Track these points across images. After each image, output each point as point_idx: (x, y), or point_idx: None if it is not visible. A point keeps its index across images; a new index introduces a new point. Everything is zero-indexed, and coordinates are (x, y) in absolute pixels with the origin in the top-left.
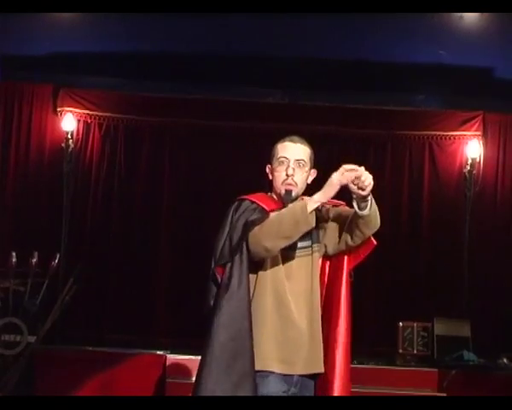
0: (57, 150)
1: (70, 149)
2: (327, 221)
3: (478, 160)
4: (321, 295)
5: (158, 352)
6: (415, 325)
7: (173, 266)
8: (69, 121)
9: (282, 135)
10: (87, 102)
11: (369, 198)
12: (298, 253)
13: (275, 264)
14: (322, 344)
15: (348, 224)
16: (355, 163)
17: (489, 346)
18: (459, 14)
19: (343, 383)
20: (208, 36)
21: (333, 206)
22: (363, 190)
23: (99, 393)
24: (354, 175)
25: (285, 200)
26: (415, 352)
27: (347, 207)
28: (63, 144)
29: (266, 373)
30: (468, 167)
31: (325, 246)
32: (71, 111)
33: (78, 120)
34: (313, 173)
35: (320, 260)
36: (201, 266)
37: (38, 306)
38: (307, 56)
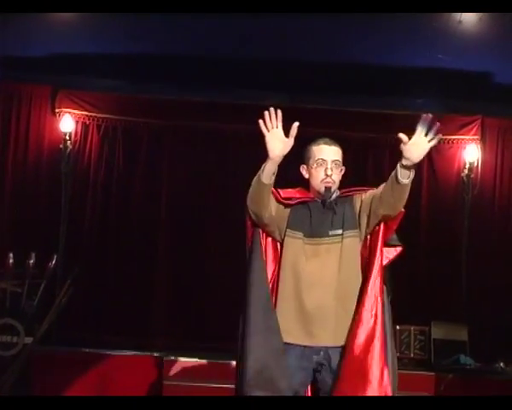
0: (55, 151)
1: (68, 151)
2: (360, 206)
3: (476, 164)
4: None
5: (155, 354)
6: (412, 328)
7: (171, 268)
8: (67, 122)
9: None
10: (85, 103)
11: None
12: (328, 240)
13: (299, 249)
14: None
15: (383, 193)
16: (354, 167)
17: (486, 350)
18: (458, 18)
19: (351, 356)
20: (208, 38)
21: (360, 192)
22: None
23: (96, 394)
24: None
25: (326, 196)
26: (412, 355)
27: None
28: (61, 145)
29: (287, 345)
30: (466, 171)
31: (364, 228)
32: (69, 112)
33: (77, 122)
34: (343, 170)
35: (358, 246)
36: (200, 268)
37: (35, 307)
38: (307, 59)
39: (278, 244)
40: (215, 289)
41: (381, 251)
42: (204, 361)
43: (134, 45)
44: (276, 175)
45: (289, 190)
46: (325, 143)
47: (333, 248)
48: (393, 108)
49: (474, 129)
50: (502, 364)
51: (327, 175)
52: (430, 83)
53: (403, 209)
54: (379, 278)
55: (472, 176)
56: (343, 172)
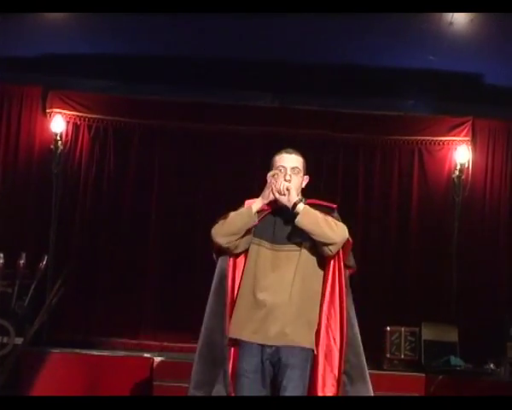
0: (46, 152)
1: (59, 151)
2: None
3: (467, 165)
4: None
5: (145, 355)
6: (402, 329)
7: (162, 269)
8: (58, 123)
9: (271, 138)
10: (76, 103)
11: (299, 208)
12: (288, 247)
13: (260, 255)
14: (310, 324)
15: None
16: (345, 168)
17: (476, 351)
18: (449, 20)
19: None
20: (198, 39)
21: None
22: (279, 194)
23: (86, 395)
24: (271, 175)
25: (284, 202)
26: (402, 357)
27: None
28: (52, 146)
29: (243, 342)
30: (457, 173)
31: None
32: (60, 113)
33: (68, 122)
34: (306, 179)
35: (319, 256)
36: (191, 269)
37: (26, 307)
38: (297, 60)
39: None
40: (205, 291)
41: (340, 268)
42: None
43: (125, 46)
44: None
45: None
46: (286, 152)
47: (292, 256)
48: (384, 109)
49: (465, 130)
50: (492, 365)
51: (285, 181)
52: (421, 84)
53: (350, 239)
54: (337, 291)
55: (462, 177)
56: (306, 181)
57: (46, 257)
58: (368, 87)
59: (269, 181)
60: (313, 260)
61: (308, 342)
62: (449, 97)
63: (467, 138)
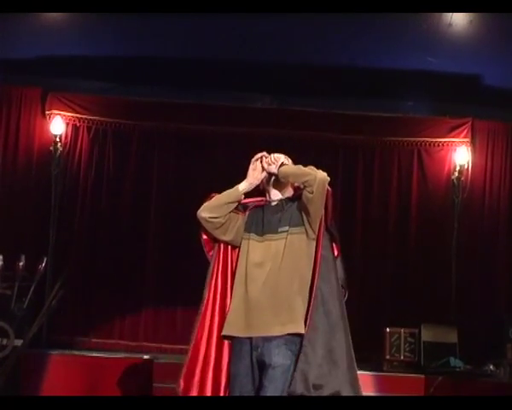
0: (45, 153)
1: (58, 153)
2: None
3: (466, 166)
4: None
5: (145, 356)
6: (402, 331)
7: (161, 270)
8: (58, 125)
9: (270, 140)
10: (76, 105)
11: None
12: (277, 236)
13: (250, 248)
14: (296, 309)
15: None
16: (344, 169)
17: (476, 353)
18: (448, 21)
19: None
20: (197, 41)
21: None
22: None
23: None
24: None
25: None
26: (402, 358)
27: None
28: (51, 148)
29: (234, 338)
30: (457, 174)
31: (308, 223)
32: (59, 114)
33: (67, 124)
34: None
35: (304, 242)
36: (190, 271)
37: (25, 309)
38: (296, 62)
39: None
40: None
41: (319, 242)
42: None
43: (124, 47)
44: None
45: (249, 199)
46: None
47: (279, 245)
48: (384, 110)
49: (465, 132)
50: (491, 366)
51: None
52: (420, 85)
53: (329, 188)
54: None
55: (462, 178)
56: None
57: (45, 259)
58: (367, 88)
59: (252, 164)
60: (301, 245)
61: (293, 328)
62: (448, 99)
63: (466, 140)
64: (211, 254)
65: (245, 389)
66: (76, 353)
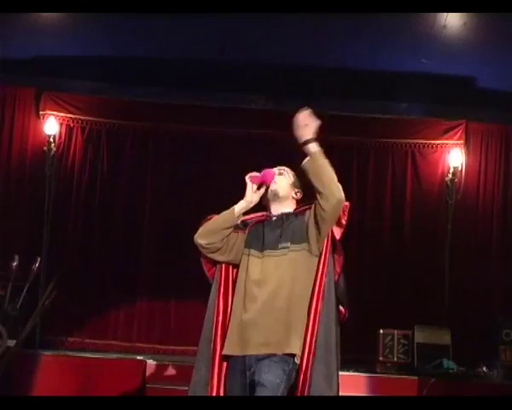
0: (39, 154)
1: (52, 153)
2: (309, 217)
3: (460, 168)
4: (316, 290)
5: (138, 357)
6: (395, 332)
7: (155, 271)
8: (51, 125)
9: (265, 141)
10: (70, 105)
11: (311, 147)
12: (277, 252)
13: (250, 264)
14: (292, 329)
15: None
16: (338, 171)
17: (469, 354)
18: (442, 23)
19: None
20: (193, 40)
21: (309, 209)
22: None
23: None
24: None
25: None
26: (395, 359)
27: None
28: (45, 148)
29: (230, 359)
30: (450, 176)
31: (314, 240)
32: (53, 115)
33: (61, 124)
34: (298, 192)
35: (306, 259)
36: (185, 272)
37: (19, 310)
38: (291, 63)
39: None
40: (199, 293)
41: (324, 259)
42: (186, 364)
43: (118, 47)
44: None
45: (249, 215)
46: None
47: (279, 261)
48: (378, 112)
49: (459, 133)
50: (484, 368)
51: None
52: (415, 87)
53: (346, 203)
54: (321, 290)
55: (456, 180)
56: (298, 194)
57: (39, 259)
58: (361, 90)
59: (248, 182)
60: (302, 262)
61: (288, 348)
62: (442, 100)
63: (460, 141)
64: (211, 273)
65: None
66: (69, 353)
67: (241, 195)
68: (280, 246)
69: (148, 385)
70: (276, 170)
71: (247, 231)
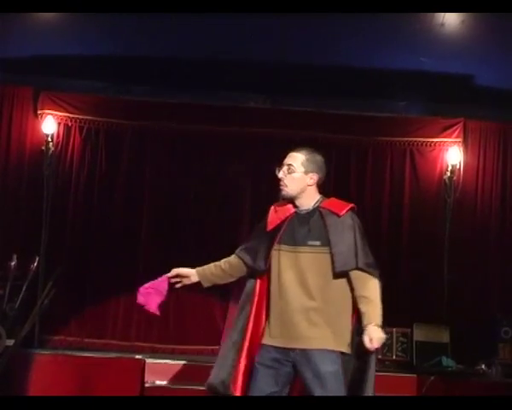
0: (37, 153)
1: (50, 152)
2: (329, 231)
3: (458, 166)
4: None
5: (136, 356)
6: (394, 330)
7: (154, 271)
8: (49, 124)
9: (262, 139)
10: (68, 105)
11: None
12: (306, 249)
13: (280, 260)
14: (338, 326)
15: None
16: (337, 169)
17: (468, 352)
18: (440, 21)
19: None
20: (190, 40)
21: (333, 212)
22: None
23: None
24: None
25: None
26: (394, 357)
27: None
28: (43, 147)
29: (263, 346)
30: (449, 174)
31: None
32: (51, 114)
33: (59, 123)
34: (313, 177)
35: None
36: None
37: (17, 309)
38: (289, 61)
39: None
40: (197, 292)
41: None
42: (185, 363)
43: (117, 47)
44: None
45: (276, 208)
46: (292, 151)
47: (313, 257)
48: (376, 110)
49: (457, 132)
50: (483, 366)
51: (279, 179)
52: (413, 86)
53: (352, 205)
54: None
55: (454, 178)
56: (313, 178)
57: (37, 258)
58: (360, 88)
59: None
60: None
61: (336, 345)
62: (440, 99)
63: (458, 140)
64: None
65: (265, 379)
66: (68, 353)
67: (239, 193)
68: (309, 243)
69: (146, 384)
70: (282, 170)
71: (271, 229)
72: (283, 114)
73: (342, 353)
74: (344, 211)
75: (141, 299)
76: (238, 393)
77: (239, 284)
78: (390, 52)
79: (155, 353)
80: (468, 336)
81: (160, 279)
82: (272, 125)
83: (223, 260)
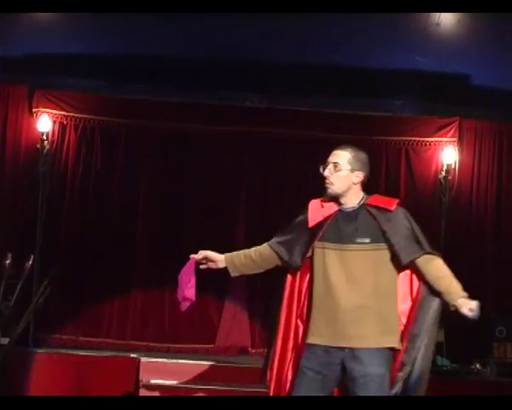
0: (32, 151)
1: (45, 151)
2: (384, 229)
3: (453, 166)
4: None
5: (131, 355)
6: None
7: (149, 270)
8: (45, 122)
9: (258, 139)
10: (63, 103)
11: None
12: (354, 247)
13: (330, 260)
14: (388, 324)
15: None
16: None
17: (462, 351)
18: (436, 20)
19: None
20: (185, 39)
21: (384, 208)
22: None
23: (72, 395)
24: None
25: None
26: None
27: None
28: (38, 145)
29: (310, 345)
30: (444, 173)
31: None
32: (46, 112)
33: (54, 122)
34: (358, 175)
35: (386, 255)
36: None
37: (12, 307)
38: (285, 61)
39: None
40: None
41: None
42: (180, 362)
43: (112, 45)
44: None
45: (318, 204)
46: (336, 148)
47: (361, 255)
48: (372, 109)
49: (452, 131)
50: (478, 365)
51: (324, 177)
52: (408, 85)
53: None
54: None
55: (449, 178)
56: (359, 177)
57: (32, 257)
58: (355, 88)
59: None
60: (384, 256)
61: (387, 341)
62: (436, 98)
63: (453, 139)
64: None
65: (313, 384)
66: (63, 351)
67: (236, 191)
68: (358, 241)
69: (141, 383)
70: (327, 168)
71: (313, 225)
72: (279, 114)
73: (391, 348)
74: (394, 206)
75: (181, 297)
76: (273, 382)
77: (234, 282)
78: (386, 51)
79: (150, 351)
80: (462, 336)
81: (186, 265)
82: (268, 124)
83: (253, 250)
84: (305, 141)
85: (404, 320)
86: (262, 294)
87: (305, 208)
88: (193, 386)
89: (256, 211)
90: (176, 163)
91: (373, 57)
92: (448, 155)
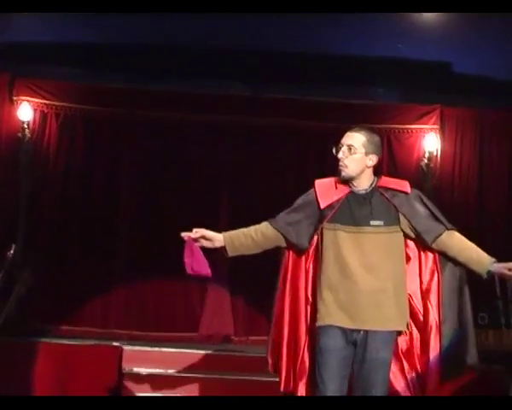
0: (14, 140)
1: (26, 139)
2: (403, 211)
3: (435, 153)
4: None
5: (114, 343)
6: None
7: (132, 258)
8: (25, 111)
9: (242, 127)
10: (43, 91)
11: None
12: (368, 229)
13: (342, 242)
14: (401, 306)
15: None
16: (315, 155)
17: None
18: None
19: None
20: (168, 27)
21: (400, 190)
22: None
23: (55, 385)
24: None
25: (342, 180)
26: None
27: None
28: (20, 134)
29: (327, 327)
30: (426, 161)
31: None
32: (27, 100)
33: (35, 110)
34: (372, 158)
35: (400, 238)
36: (161, 259)
37: None
38: (267, 49)
39: (314, 239)
40: (175, 280)
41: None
42: (163, 350)
43: (94, 33)
44: None
45: (327, 186)
46: (350, 130)
47: (375, 237)
48: (353, 97)
49: (434, 118)
50: None
51: (339, 159)
52: (390, 72)
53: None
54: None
55: (431, 165)
56: (373, 160)
57: (14, 246)
58: (337, 75)
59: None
60: (397, 239)
61: (400, 325)
62: (418, 86)
63: (435, 126)
64: None
65: (341, 362)
66: (45, 340)
67: (219, 179)
68: (372, 223)
69: (124, 371)
70: (341, 150)
71: (325, 207)
72: (262, 102)
73: (398, 332)
74: (409, 188)
75: (190, 270)
76: (284, 372)
77: (216, 269)
78: (368, 39)
79: (133, 340)
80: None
81: (186, 245)
82: (251, 112)
83: (253, 229)
84: (288, 129)
85: (414, 302)
86: (245, 282)
87: (309, 189)
88: (176, 374)
89: (239, 199)
90: (158, 152)
91: (355, 45)
92: (430, 142)
